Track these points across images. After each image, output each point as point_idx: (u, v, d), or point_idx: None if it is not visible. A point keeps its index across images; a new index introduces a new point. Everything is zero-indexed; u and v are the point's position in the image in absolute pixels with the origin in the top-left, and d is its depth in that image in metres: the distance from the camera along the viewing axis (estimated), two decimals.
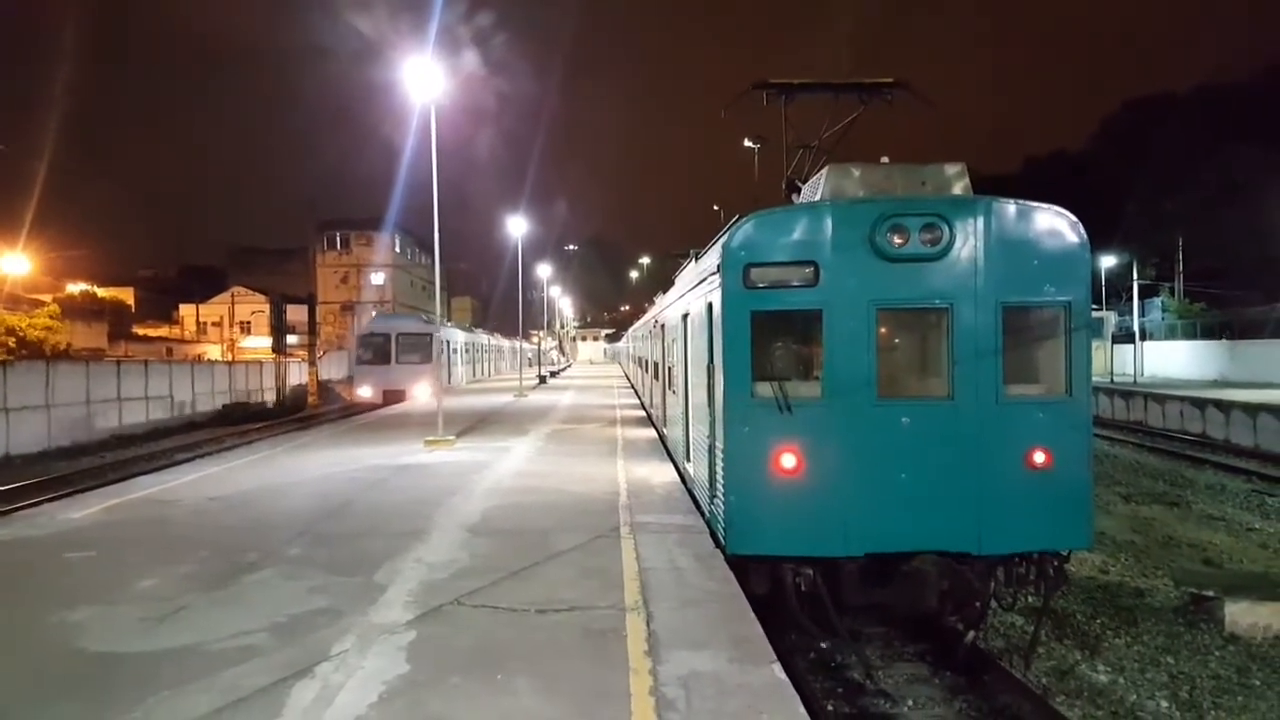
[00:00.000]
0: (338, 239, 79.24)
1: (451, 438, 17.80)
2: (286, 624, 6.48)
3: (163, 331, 73.79)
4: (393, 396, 35.41)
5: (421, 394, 34.63)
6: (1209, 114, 55.56)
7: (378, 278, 77.00)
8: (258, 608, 6.87)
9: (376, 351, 37.83)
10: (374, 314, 50.67)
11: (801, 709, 4.99)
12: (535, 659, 5.73)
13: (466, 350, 50.75)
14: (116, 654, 5.97)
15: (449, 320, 55.17)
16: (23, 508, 14.08)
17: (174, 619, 6.66)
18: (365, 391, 37.46)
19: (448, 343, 44.62)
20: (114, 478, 18.12)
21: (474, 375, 52.38)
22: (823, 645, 9.31)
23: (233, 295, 76.40)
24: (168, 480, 13.56)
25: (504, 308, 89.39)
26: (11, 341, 38.59)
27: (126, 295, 74.82)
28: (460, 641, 6.08)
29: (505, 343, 70.57)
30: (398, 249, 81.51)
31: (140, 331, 68.37)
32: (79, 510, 11.15)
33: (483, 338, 60.75)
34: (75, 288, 65.47)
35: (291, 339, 43.81)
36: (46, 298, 54.71)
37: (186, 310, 78.57)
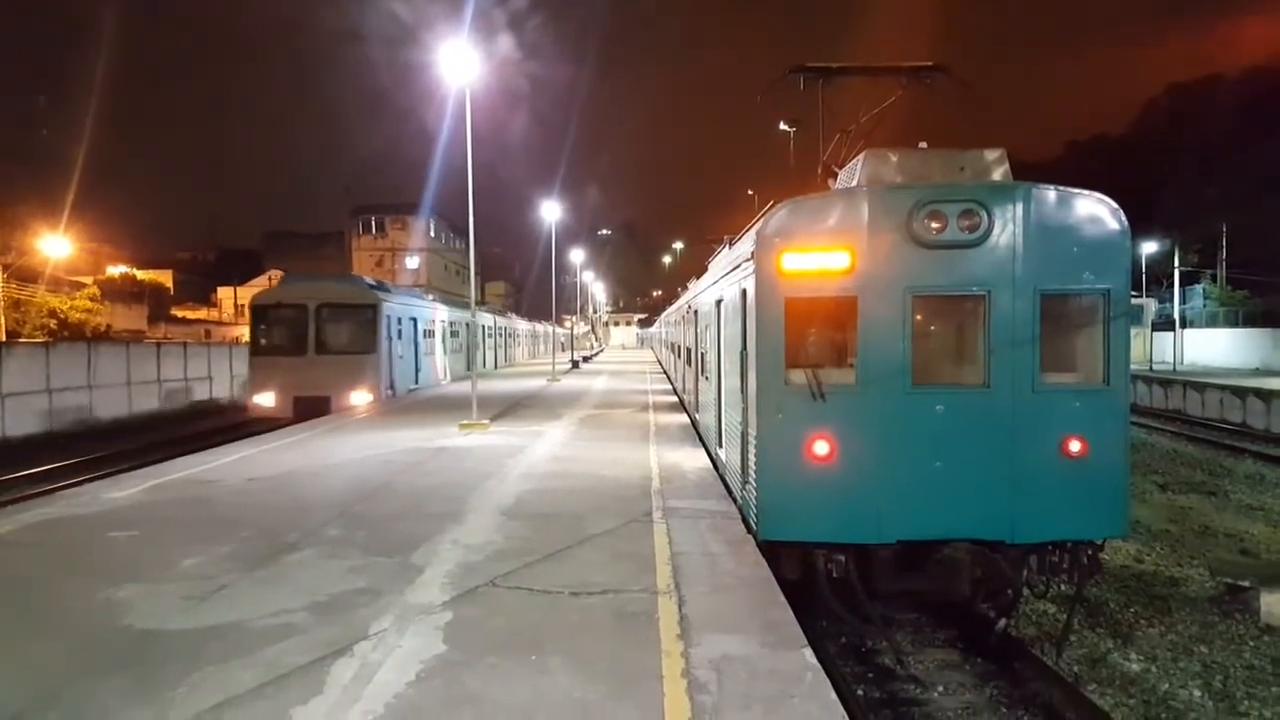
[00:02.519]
0: (373, 223, 79.93)
1: (486, 421, 17.96)
2: (326, 603, 6.61)
3: (201, 314, 74.94)
4: (309, 407, 23.01)
5: (358, 400, 23.80)
6: (1256, 98, 54.37)
7: (412, 261, 77.55)
8: (298, 587, 7.01)
9: (284, 333, 24.79)
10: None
11: (832, 693, 5.02)
12: (569, 640, 5.81)
13: (500, 335, 50.66)
14: (161, 631, 6.13)
15: (483, 304, 54.16)
16: (67, 487, 14.45)
17: (216, 597, 6.82)
18: (265, 400, 24.07)
19: (482, 327, 40.99)
20: (155, 458, 18.51)
21: (507, 360, 52.55)
22: (854, 631, 9.34)
23: (269, 278, 77.32)
24: (208, 461, 13.81)
25: (537, 292, 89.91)
26: (53, 324, 39.36)
27: (165, 278, 76.02)
28: (495, 622, 6.18)
29: (539, 327, 70.86)
30: (432, 233, 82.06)
31: (179, 314, 69.46)
32: (121, 490, 11.40)
33: (517, 322, 61.00)
34: (115, 270, 66.57)
35: None
36: (87, 280, 55.68)
37: (224, 293, 79.73)
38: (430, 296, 36.31)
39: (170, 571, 7.53)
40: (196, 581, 7.21)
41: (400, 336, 26.98)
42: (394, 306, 26.64)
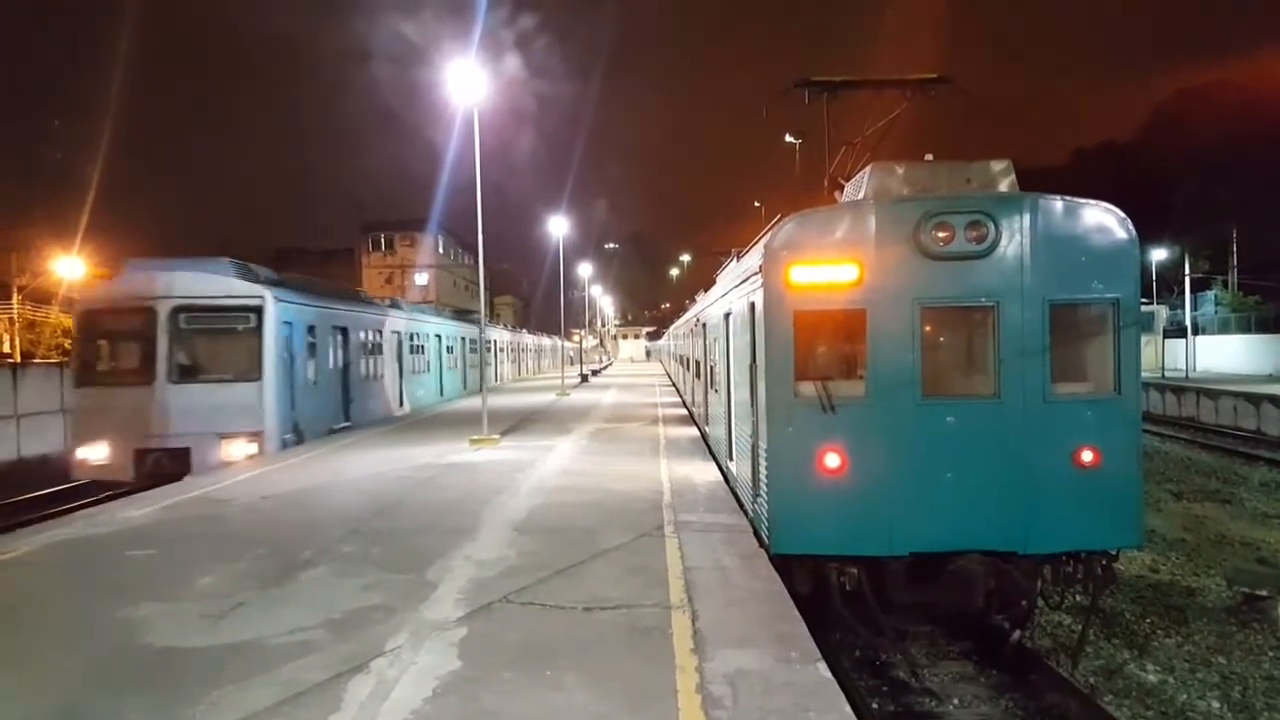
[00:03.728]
0: (382, 240, 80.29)
1: (496, 437, 18.03)
2: (342, 620, 6.66)
3: None
4: (159, 464, 16.11)
5: (236, 453, 16.53)
6: (1266, 101, 54.21)
7: (421, 278, 77.79)
8: (314, 604, 7.06)
9: (122, 351, 17.51)
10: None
11: (847, 707, 5.03)
12: (583, 656, 5.83)
13: (510, 350, 50.64)
14: (180, 649, 6.18)
15: (491, 319, 53.46)
16: (84, 506, 14.52)
17: (233, 615, 6.87)
18: (92, 454, 16.50)
19: (462, 339, 36.77)
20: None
21: (517, 374, 52.64)
22: (867, 644, 9.32)
23: None
24: (222, 479, 13.89)
25: (545, 306, 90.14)
26: (68, 343, 39.58)
27: None
28: (510, 638, 6.21)
29: (547, 341, 71.05)
30: (441, 249, 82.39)
31: None
32: (138, 509, 11.49)
33: (525, 337, 61.19)
34: None
35: None
36: None
37: None
38: (386, 301, 29.02)
39: (188, 589, 7.59)
40: (214, 599, 7.26)
41: (313, 353, 19.48)
42: (297, 308, 18.64)
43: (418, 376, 28.92)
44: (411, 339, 28.33)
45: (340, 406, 21.57)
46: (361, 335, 23.21)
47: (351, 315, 22.67)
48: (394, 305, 28.89)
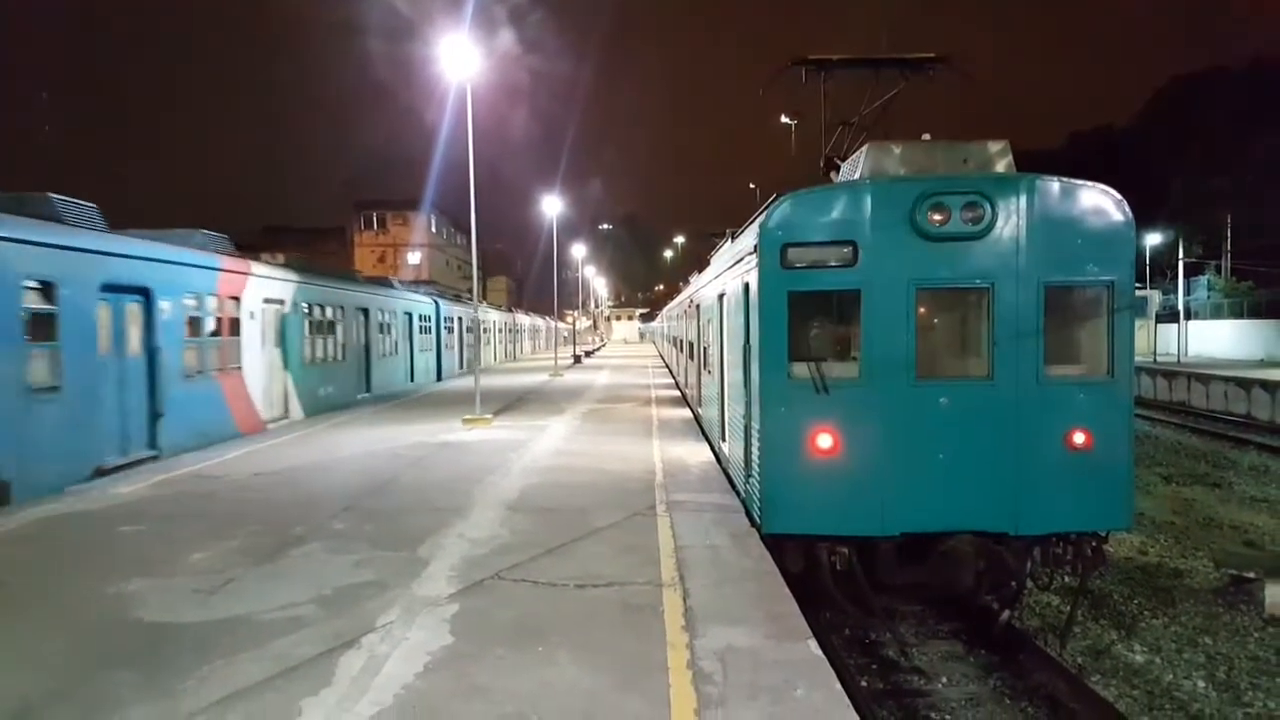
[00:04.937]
0: (374, 219, 79.87)
1: (489, 416, 18.01)
2: (333, 596, 6.66)
3: None
4: None
5: None
6: (1262, 89, 54.19)
7: (414, 257, 77.47)
8: (305, 580, 7.06)
9: None
10: None
11: (837, 684, 5.05)
12: (575, 632, 5.85)
13: (503, 331, 50.46)
14: (171, 624, 6.18)
15: (484, 301, 52.73)
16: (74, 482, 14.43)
17: (225, 591, 6.86)
18: None
19: (459, 320, 33.78)
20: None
21: (510, 355, 52.55)
22: (858, 623, 9.36)
23: None
24: (213, 456, 13.84)
25: (539, 287, 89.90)
26: None
27: None
28: (502, 615, 6.22)
29: (540, 322, 70.92)
30: (433, 229, 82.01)
31: None
32: (128, 485, 11.45)
33: (520, 318, 61.02)
34: None
35: None
36: None
37: None
38: (277, 258, 22.12)
39: (179, 565, 7.59)
40: (205, 575, 7.26)
41: (47, 334, 11.31)
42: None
43: (322, 368, 21.58)
44: (310, 313, 20.70)
45: (135, 425, 13.51)
46: (191, 303, 15.09)
47: (160, 271, 14.00)
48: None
